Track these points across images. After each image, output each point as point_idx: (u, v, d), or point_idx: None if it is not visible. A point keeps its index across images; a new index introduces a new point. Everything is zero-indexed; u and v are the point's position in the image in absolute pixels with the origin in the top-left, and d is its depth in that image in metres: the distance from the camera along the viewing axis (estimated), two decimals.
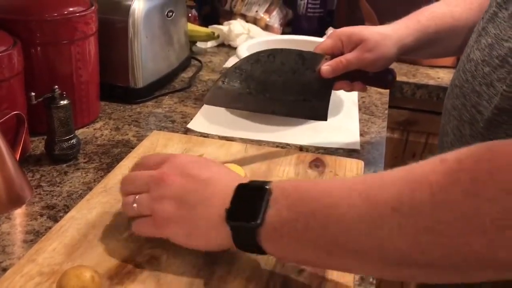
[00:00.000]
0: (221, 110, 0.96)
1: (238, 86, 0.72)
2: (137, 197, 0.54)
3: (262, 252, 0.48)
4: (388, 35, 0.73)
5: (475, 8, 0.73)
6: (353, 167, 0.74)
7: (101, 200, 0.64)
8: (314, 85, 0.74)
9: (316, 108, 0.76)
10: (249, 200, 0.48)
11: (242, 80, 0.72)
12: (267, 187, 0.47)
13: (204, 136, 0.84)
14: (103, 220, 0.61)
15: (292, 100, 0.75)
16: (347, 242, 0.42)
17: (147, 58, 0.98)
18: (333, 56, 0.74)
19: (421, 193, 0.39)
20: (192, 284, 0.52)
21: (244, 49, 0.97)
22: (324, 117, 0.76)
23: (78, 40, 0.82)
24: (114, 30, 0.94)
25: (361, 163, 0.75)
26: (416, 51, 0.76)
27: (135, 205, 0.53)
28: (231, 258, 0.56)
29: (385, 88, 0.81)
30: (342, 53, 0.74)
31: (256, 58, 0.72)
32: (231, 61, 1.22)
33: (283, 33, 1.42)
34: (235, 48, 1.32)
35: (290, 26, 1.46)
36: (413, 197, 0.39)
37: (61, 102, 0.75)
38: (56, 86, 0.75)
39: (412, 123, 1.25)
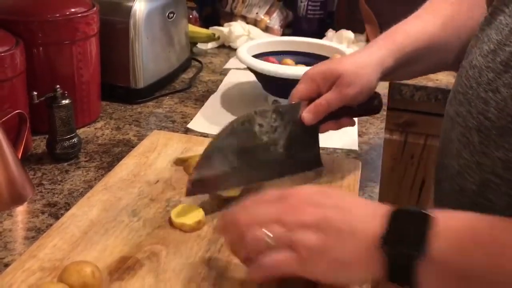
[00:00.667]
0: (221, 111, 0.97)
1: (218, 166, 0.64)
2: (266, 230, 0.48)
3: (411, 285, 0.45)
4: (365, 62, 0.68)
5: (448, 23, 0.70)
6: (350, 167, 0.75)
7: (101, 198, 0.65)
8: (299, 137, 0.69)
9: (308, 158, 0.71)
10: (410, 227, 0.45)
11: (220, 159, 0.64)
12: (429, 215, 0.45)
13: (204, 136, 0.85)
14: (103, 217, 0.62)
15: (281, 160, 0.68)
16: None
17: (148, 59, 0.99)
18: (311, 100, 0.68)
19: None
20: (191, 280, 0.53)
21: (244, 50, 0.98)
22: (319, 164, 0.72)
23: (79, 40, 0.83)
24: (115, 31, 0.95)
25: (358, 163, 0.76)
26: (396, 72, 0.72)
27: (268, 239, 0.48)
28: (229, 255, 0.56)
29: (373, 114, 0.76)
30: (320, 95, 0.68)
31: (230, 130, 0.65)
32: (231, 63, 1.23)
33: (283, 34, 1.43)
34: (235, 49, 1.33)
35: (291, 28, 1.47)
36: None
37: (63, 101, 0.76)
38: (58, 86, 0.76)
39: (411, 124, 1.25)
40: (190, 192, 0.63)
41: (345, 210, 0.49)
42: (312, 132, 0.70)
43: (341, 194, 0.52)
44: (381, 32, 1.29)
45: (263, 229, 0.49)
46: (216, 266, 0.55)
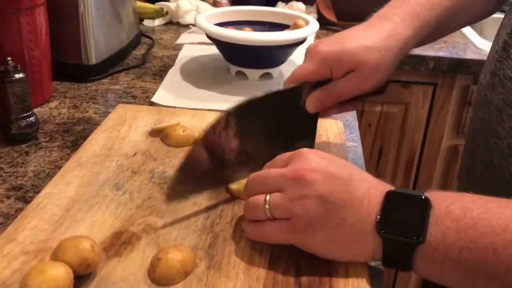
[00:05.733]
0: (183, 84, 0.92)
1: (204, 167, 0.53)
2: (268, 197, 0.46)
3: (407, 268, 0.43)
4: (388, 47, 0.56)
5: None
6: (333, 127, 0.73)
7: (78, 174, 0.59)
8: (297, 123, 0.59)
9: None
10: (406, 211, 0.43)
11: (208, 157, 0.53)
12: (425, 198, 0.43)
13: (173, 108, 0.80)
14: (84, 193, 0.56)
15: (275, 152, 0.53)
16: None
17: (99, 33, 0.92)
18: (318, 83, 0.58)
19: None
20: (197, 248, 0.48)
21: (203, 20, 0.93)
22: None
23: (26, 9, 0.75)
24: (63, 3, 0.87)
25: (340, 123, 0.74)
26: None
27: (267, 206, 0.45)
28: (232, 219, 0.53)
29: (377, 95, 0.64)
30: (329, 79, 0.58)
31: (224, 122, 0.53)
32: (184, 38, 1.18)
33: None
34: (184, 25, 1.28)
35: (238, 2, 1.43)
36: None
37: (16, 75, 0.68)
38: (9, 58, 0.68)
39: None
40: (171, 197, 0.52)
41: (349, 183, 0.45)
42: (311, 119, 0.60)
43: (343, 162, 0.48)
44: (332, 3, 1.30)
45: (265, 196, 0.46)
46: (220, 232, 0.51)
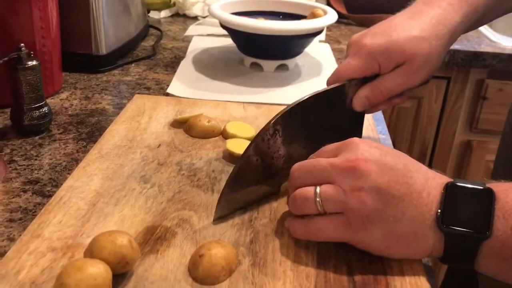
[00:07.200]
0: (197, 75, 0.88)
1: (253, 178, 0.50)
2: (318, 189, 0.42)
3: (469, 264, 0.41)
4: (437, 35, 0.52)
5: None
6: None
7: (100, 167, 0.55)
8: (343, 123, 0.56)
9: None
10: (469, 204, 0.40)
11: (257, 168, 0.50)
12: (488, 190, 0.40)
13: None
14: (109, 186, 0.52)
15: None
16: None
17: (109, 23, 0.88)
18: (364, 79, 0.54)
19: None
20: (238, 244, 0.45)
21: (218, 9, 0.90)
22: None
23: None
24: None
25: (370, 116, 0.71)
26: None
27: (318, 199, 0.42)
28: (271, 213, 0.49)
29: (421, 86, 0.60)
30: (376, 74, 0.55)
31: (272, 131, 0.49)
32: (192, 29, 1.14)
33: None
34: (191, 17, 1.24)
35: None
36: None
37: (29, 62, 0.64)
38: (22, 44, 0.64)
39: None
40: (220, 214, 0.48)
41: (406, 175, 0.42)
42: (358, 117, 0.57)
43: (397, 152, 0.45)
44: None
45: (315, 188, 0.42)
46: (261, 227, 0.47)
